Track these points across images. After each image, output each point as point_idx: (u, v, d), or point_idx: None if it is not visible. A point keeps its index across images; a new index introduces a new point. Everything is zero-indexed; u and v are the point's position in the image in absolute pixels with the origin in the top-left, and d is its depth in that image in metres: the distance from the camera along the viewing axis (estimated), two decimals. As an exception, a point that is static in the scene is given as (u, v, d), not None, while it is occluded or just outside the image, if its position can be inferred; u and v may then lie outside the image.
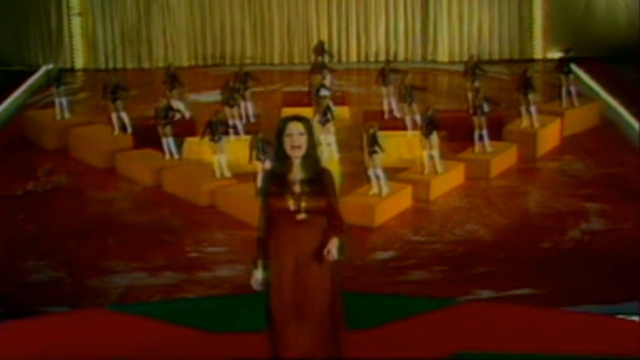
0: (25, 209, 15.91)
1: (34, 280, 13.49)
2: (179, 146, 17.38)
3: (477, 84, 19.03)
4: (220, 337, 7.37)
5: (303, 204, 6.08)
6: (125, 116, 18.19)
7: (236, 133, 17.64)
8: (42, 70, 23.26)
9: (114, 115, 18.18)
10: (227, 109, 17.89)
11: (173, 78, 19.28)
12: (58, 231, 15.08)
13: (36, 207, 16.00)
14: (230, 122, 17.49)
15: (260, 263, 6.26)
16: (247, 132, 17.60)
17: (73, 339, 7.46)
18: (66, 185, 17.05)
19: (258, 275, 6.26)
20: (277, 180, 6.13)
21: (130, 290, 13.16)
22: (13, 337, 7.51)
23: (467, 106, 18.59)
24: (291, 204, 6.08)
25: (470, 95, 18.91)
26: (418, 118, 17.73)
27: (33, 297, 12.87)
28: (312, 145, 6.12)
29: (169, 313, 7.98)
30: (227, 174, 16.25)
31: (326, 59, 20.95)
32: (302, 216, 6.09)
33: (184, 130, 17.83)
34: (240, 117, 18.30)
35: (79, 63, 24.22)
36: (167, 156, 17.08)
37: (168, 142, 17.10)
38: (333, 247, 6.00)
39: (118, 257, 14.12)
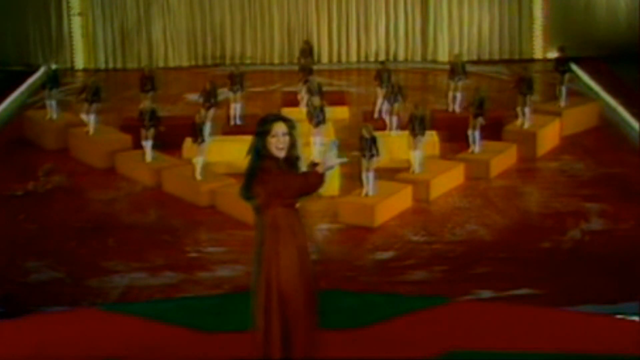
0: (25, 209, 15.91)
1: (34, 280, 13.51)
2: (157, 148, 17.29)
3: (460, 83, 19.04)
4: (212, 336, 7.35)
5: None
6: (93, 119, 18.20)
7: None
8: (42, 70, 23.22)
9: (85, 116, 18.18)
10: (202, 111, 17.77)
11: (150, 80, 19.22)
12: (58, 231, 15.09)
13: (36, 207, 16.01)
14: (208, 124, 17.31)
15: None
16: (229, 133, 17.54)
17: (64, 339, 7.43)
18: (66, 185, 17.05)
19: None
20: (271, 172, 6.28)
21: (130, 290, 13.18)
22: (4, 337, 7.49)
23: (447, 106, 18.77)
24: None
25: (451, 94, 18.96)
26: (396, 119, 17.69)
27: (33, 297, 12.89)
28: (293, 143, 6.21)
29: (161, 312, 7.95)
30: (198, 176, 16.21)
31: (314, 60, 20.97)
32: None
33: (184, 130, 17.80)
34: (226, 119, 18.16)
35: (79, 63, 24.23)
36: (148, 158, 17.03)
37: (148, 144, 17.06)
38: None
39: (118, 257, 14.14)
